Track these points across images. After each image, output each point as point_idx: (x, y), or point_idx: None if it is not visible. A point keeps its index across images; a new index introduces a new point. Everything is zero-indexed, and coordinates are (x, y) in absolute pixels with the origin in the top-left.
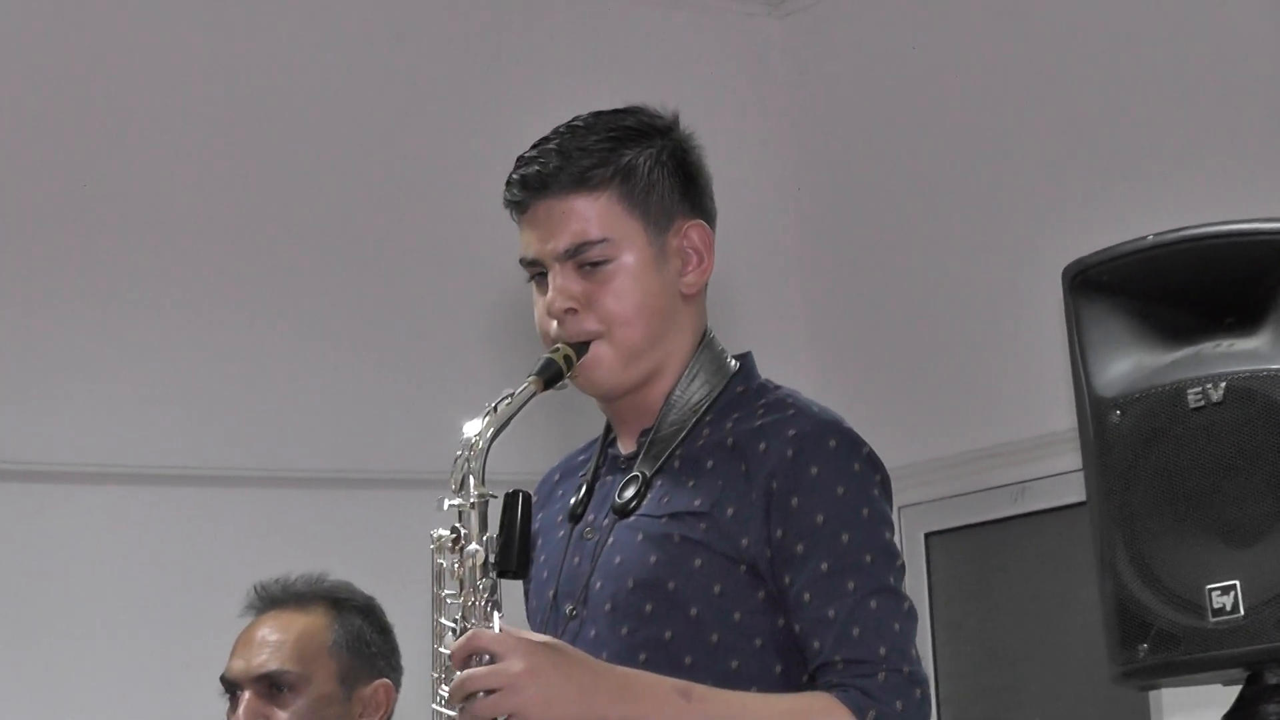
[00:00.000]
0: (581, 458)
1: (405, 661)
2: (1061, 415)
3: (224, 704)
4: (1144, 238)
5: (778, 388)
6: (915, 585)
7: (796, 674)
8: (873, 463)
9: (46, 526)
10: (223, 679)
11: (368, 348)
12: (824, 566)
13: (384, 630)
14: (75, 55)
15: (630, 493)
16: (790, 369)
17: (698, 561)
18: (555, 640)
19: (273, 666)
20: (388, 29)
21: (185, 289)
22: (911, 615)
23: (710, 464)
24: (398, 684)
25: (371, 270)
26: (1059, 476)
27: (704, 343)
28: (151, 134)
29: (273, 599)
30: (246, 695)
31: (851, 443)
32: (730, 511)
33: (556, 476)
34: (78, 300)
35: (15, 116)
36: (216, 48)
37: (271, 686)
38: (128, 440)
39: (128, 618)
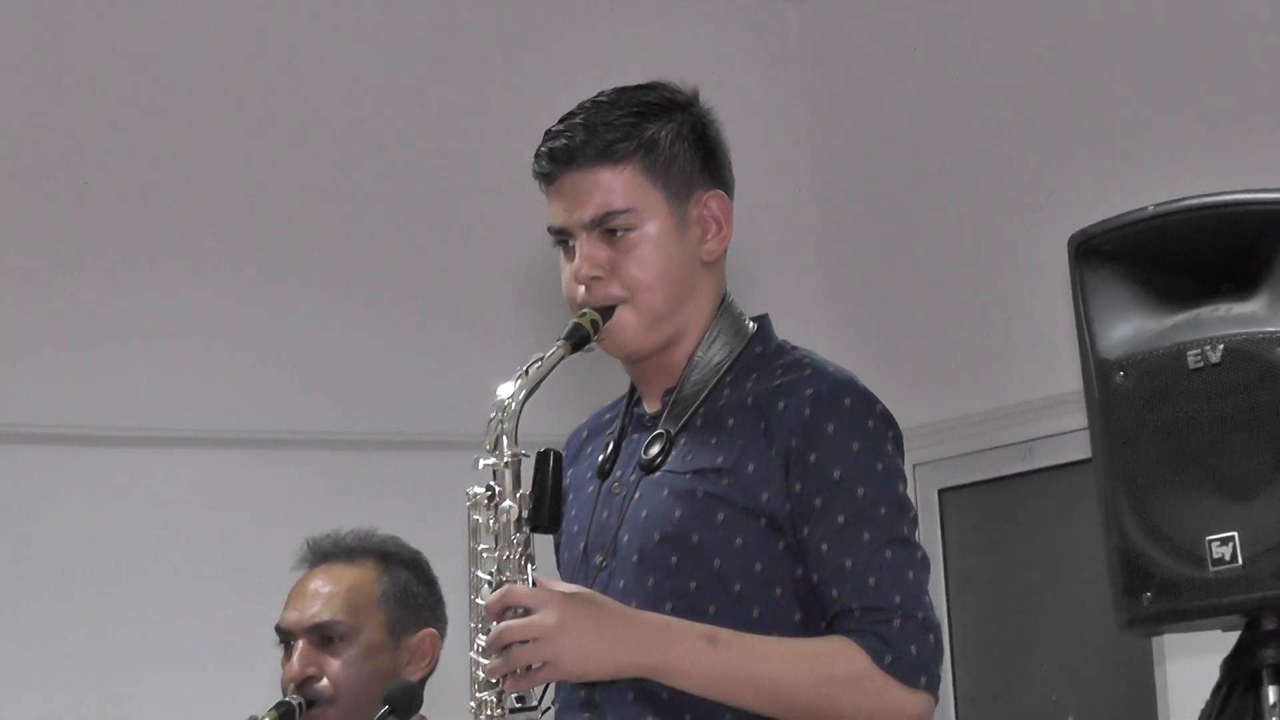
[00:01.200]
0: (608, 416)
1: (447, 612)
2: (1068, 377)
3: (279, 653)
4: (1144, 208)
5: (794, 348)
6: (929, 539)
7: (815, 621)
8: (886, 419)
9: (114, 488)
10: (278, 629)
11: (407, 319)
12: (841, 519)
13: (430, 582)
14: (147, 33)
15: (655, 450)
16: (809, 334)
17: (720, 515)
18: (586, 590)
19: (324, 617)
20: (427, 19)
21: (244, 271)
22: (924, 564)
23: (731, 422)
24: (443, 633)
25: (412, 247)
26: (1066, 435)
27: (723, 306)
28: (217, 115)
29: (324, 553)
30: (300, 644)
31: (866, 401)
32: (751, 468)
33: (585, 434)
34: (143, 277)
35: (88, 93)
36: (277, 29)
37: (323, 636)
38: (190, 407)
39: (190, 572)
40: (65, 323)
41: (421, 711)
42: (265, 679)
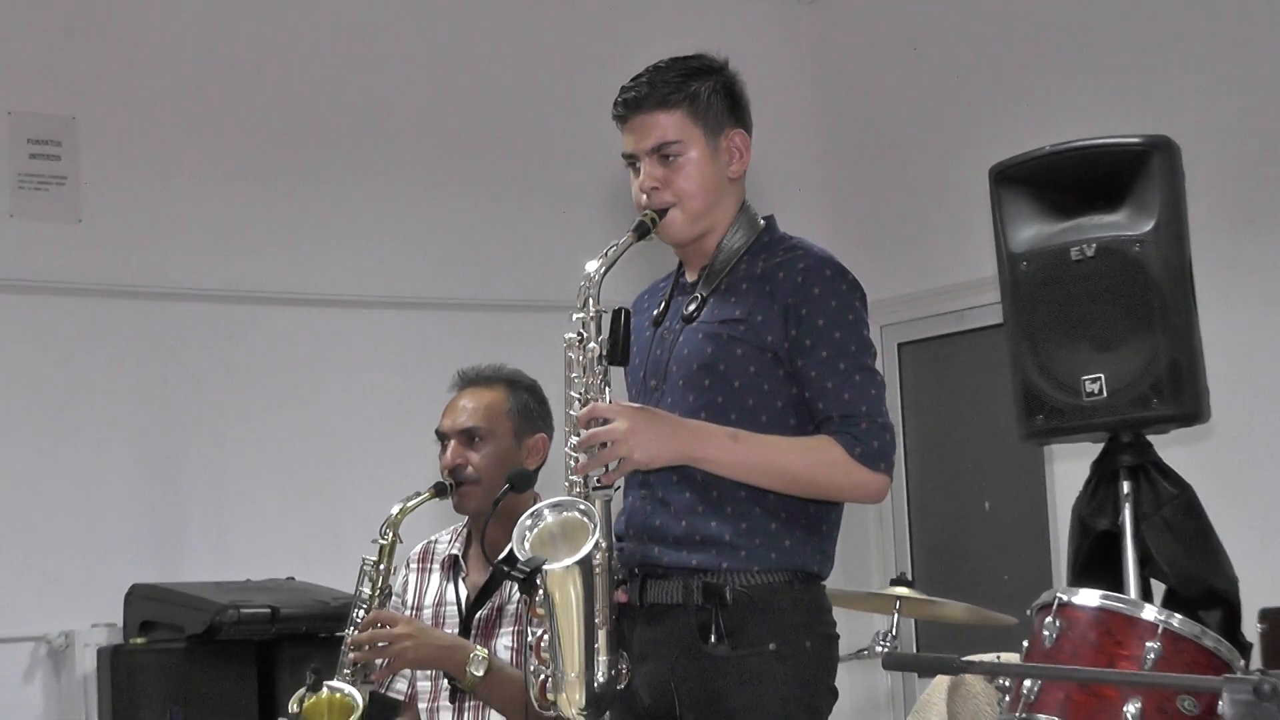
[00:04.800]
0: (661, 285)
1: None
2: (988, 265)
3: (436, 450)
4: (1043, 148)
5: (792, 237)
6: (891, 379)
7: (804, 426)
8: (854, 285)
9: (322, 341)
10: (437, 432)
11: (528, 218)
12: (824, 354)
13: (542, 401)
14: (348, 17)
15: (693, 307)
16: (812, 230)
17: (739, 351)
18: (647, 406)
19: (469, 424)
20: (546, 12)
21: (414, 186)
22: (883, 385)
23: (745, 287)
24: (551, 437)
25: (534, 170)
26: (986, 306)
27: (743, 209)
28: (403, 76)
29: (469, 380)
30: (452, 443)
31: (840, 271)
32: (760, 318)
33: (645, 298)
34: (342, 190)
35: (309, 59)
36: (432, 11)
37: (469, 437)
38: (380, 276)
39: (375, 395)
40: (287, 220)
41: (536, 490)
42: (426, 469)
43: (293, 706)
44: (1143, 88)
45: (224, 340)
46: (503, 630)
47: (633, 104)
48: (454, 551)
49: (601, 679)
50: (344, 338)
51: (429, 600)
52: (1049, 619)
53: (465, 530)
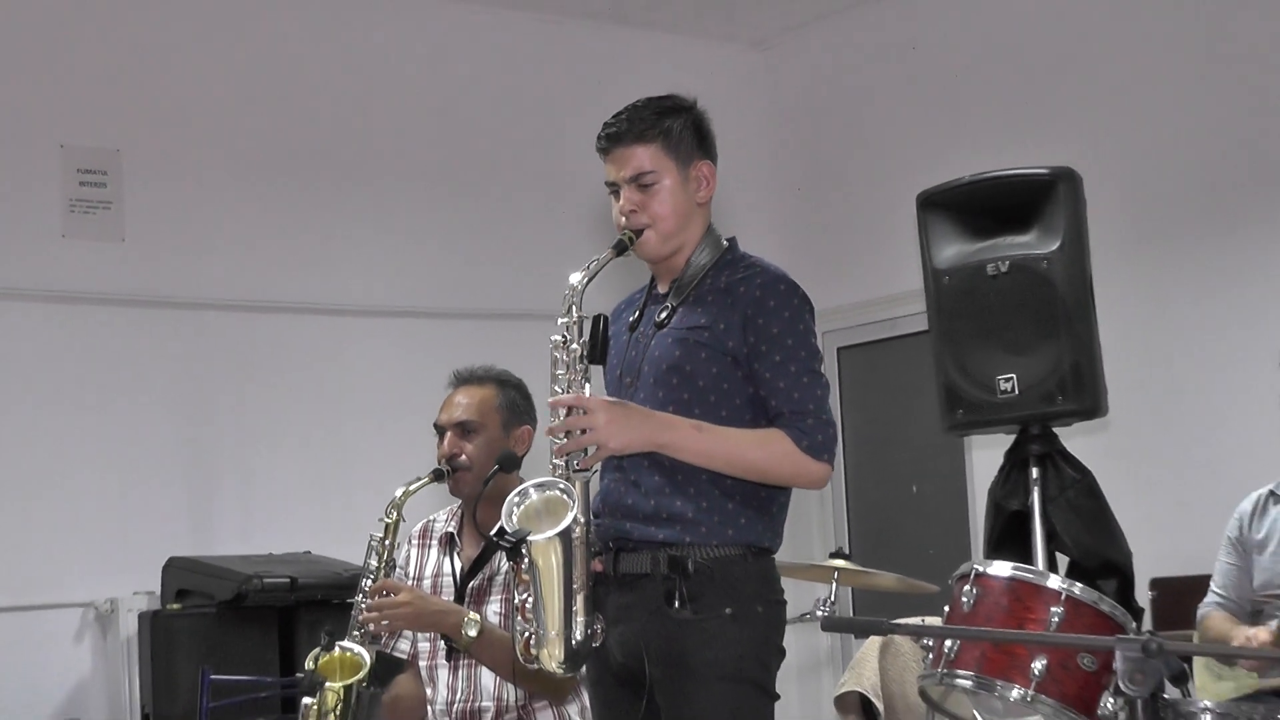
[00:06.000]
0: (636, 296)
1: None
2: (915, 279)
3: (435, 439)
4: (963, 177)
5: (751, 256)
6: (832, 380)
7: (759, 420)
8: (805, 299)
9: (337, 345)
10: (435, 425)
11: (522, 238)
12: (777, 358)
13: (528, 397)
14: (347, 55)
15: (664, 315)
16: (768, 248)
17: (703, 354)
18: (623, 400)
19: (464, 417)
20: (538, 59)
21: (416, 205)
22: (827, 386)
23: (710, 299)
24: (535, 429)
25: (526, 198)
26: (915, 315)
27: (708, 231)
28: (402, 106)
29: (463, 378)
30: (448, 435)
31: (793, 286)
32: (722, 326)
33: (622, 306)
34: (350, 206)
35: (312, 94)
36: (433, 54)
37: (463, 429)
38: (388, 289)
39: (387, 395)
40: (306, 240)
41: (520, 474)
42: (425, 457)
43: (309, 664)
44: (1050, 125)
45: (250, 345)
46: (492, 598)
47: (614, 138)
48: (450, 529)
49: (579, 637)
50: (355, 342)
51: (428, 572)
52: (967, 587)
53: (460, 511)
